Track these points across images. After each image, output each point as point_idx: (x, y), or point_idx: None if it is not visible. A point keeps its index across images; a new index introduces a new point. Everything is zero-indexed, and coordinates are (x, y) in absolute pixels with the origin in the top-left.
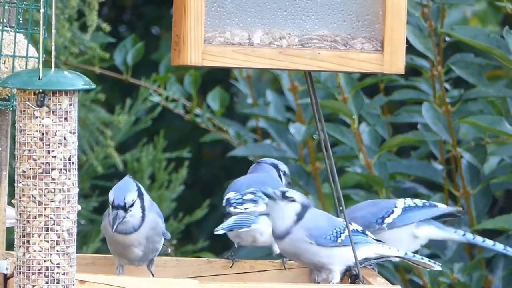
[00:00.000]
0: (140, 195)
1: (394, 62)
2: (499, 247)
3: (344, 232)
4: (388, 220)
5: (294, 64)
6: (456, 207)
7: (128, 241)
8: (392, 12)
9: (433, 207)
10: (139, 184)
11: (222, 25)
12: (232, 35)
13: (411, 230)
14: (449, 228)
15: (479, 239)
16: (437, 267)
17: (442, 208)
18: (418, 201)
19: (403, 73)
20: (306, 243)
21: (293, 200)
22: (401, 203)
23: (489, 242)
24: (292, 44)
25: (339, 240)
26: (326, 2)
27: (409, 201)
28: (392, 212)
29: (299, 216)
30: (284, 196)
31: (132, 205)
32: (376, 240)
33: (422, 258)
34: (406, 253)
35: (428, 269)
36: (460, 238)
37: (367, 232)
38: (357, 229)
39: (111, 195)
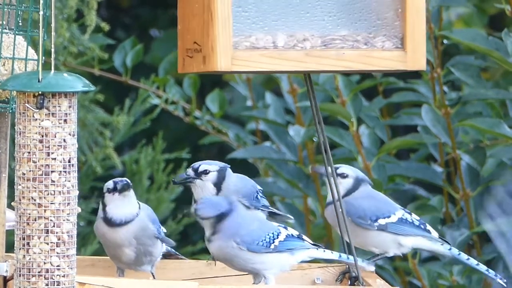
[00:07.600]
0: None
1: (417, 59)
2: (482, 267)
3: (278, 238)
4: (381, 222)
5: (321, 65)
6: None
7: (114, 236)
8: (412, 9)
9: (427, 232)
10: None
11: (247, 30)
12: (257, 39)
13: (397, 238)
14: (436, 240)
15: (463, 256)
16: (371, 267)
17: (433, 236)
18: (416, 220)
19: (425, 69)
20: (235, 249)
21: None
22: (400, 213)
23: (472, 261)
24: (315, 45)
25: (272, 246)
26: (346, 2)
27: (408, 216)
28: (389, 216)
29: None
30: None
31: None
32: (313, 244)
33: (363, 261)
34: (340, 256)
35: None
36: (446, 252)
37: (303, 236)
38: (292, 234)
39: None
